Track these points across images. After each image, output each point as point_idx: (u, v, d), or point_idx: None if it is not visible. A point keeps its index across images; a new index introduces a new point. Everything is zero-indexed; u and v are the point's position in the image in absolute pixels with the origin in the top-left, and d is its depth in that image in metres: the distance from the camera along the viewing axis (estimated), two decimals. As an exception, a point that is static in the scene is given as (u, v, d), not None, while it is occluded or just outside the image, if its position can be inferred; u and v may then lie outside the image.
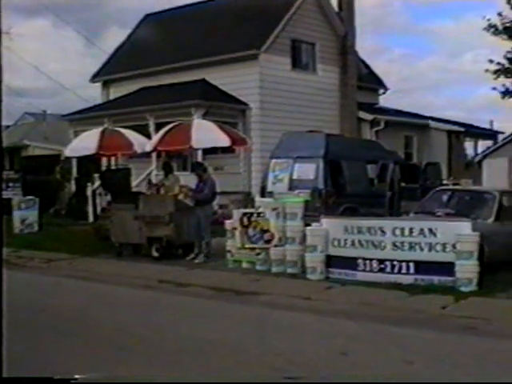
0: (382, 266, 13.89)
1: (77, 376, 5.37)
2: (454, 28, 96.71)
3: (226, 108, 30.02)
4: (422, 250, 13.45)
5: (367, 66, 38.22)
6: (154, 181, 21.77)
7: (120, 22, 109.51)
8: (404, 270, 13.64)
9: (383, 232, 13.96)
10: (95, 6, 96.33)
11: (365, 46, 52.02)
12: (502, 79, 29.53)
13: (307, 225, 15.37)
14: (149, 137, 23.85)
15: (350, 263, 14.32)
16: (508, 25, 28.92)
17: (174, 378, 8.03)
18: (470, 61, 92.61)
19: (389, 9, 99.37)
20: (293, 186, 20.69)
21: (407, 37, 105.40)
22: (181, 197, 18.37)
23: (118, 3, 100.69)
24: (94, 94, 38.90)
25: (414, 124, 35.82)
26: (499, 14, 28.97)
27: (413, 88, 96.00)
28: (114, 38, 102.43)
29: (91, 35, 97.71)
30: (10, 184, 29.18)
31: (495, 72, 29.24)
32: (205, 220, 17.89)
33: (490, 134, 40.45)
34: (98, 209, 24.80)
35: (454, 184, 23.20)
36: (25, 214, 25.54)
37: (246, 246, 16.11)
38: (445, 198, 17.90)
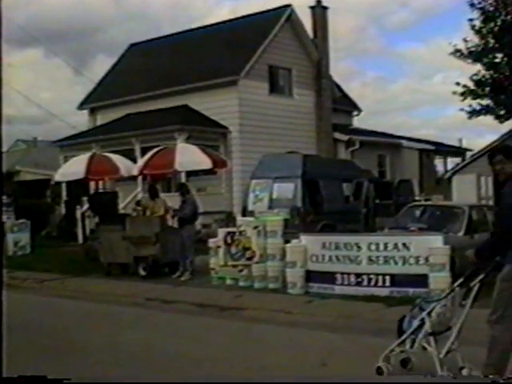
0: (359, 279, 13.90)
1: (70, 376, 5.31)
2: (425, 51, 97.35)
3: (207, 132, 30.01)
4: (396, 263, 13.46)
5: (341, 90, 38.35)
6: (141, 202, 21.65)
7: (108, 51, 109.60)
8: (380, 283, 13.64)
9: (359, 247, 13.97)
10: (84, 36, 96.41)
11: (339, 70, 52.22)
12: (468, 100, 29.68)
13: (287, 242, 15.36)
14: (135, 161, 23.84)
15: (329, 278, 14.30)
16: (472, 49, 29.10)
17: (172, 379, 7.99)
18: (441, 82, 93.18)
19: (363, 34, 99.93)
20: (272, 205, 20.67)
21: (380, 60, 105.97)
22: (169, 220, 18.34)
23: (106, 33, 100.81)
24: (82, 120, 38.87)
25: (387, 144, 35.97)
26: (464, 40, 29.17)
27: (386, 109, 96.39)
28: (102, 66, 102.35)
29: (80, 64, 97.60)
30: (4, 208, 29.00)
31: (462, 94, 29.38)
32: (187, 239, 17.85)
33: (459, 152, 40.65)
34: (87, 230, 24.67)
35: (426, 200, 23.21)
36: (17, 237, 25.44)
37: (229, 263, 16.06)
38: (417, 213, 17.94)
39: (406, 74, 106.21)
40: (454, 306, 7.93)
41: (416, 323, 7.95)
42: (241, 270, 16.03)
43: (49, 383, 5.53)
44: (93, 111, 37.17)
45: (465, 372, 7.74)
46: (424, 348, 7.83)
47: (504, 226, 7.55)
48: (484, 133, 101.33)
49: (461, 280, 8.03)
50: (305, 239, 15.01)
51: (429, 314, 7.91)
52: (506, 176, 7.50)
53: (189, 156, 20.03)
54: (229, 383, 8.03)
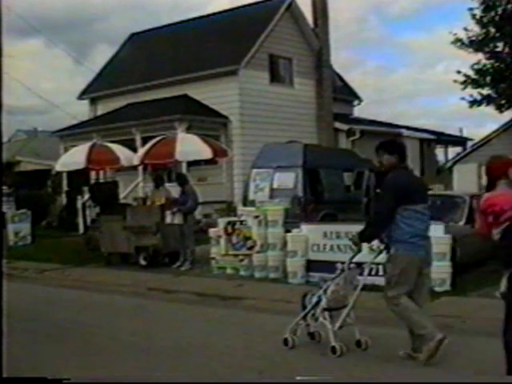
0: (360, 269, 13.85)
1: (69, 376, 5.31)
2: (427, 40, 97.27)
3: (207, 121, 30.00)
4: (397, 252, 13.41)
5: (342, 79, 38.35)
6: (141, 194, 21.63)
7: (108, 40, 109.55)
8: (381, 273, 13.57)
9: (360, 237, 13.93)
10: (85, 26, 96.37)
11: (340, 60, 52.26)
12: (469, 89, 29.66)
13: (288, 231, 15.34)
14: (135, 150, 23.80)
15: (329, 267, 14.20)
16: (473, 38, 29.06)
17: (172, 378, 7.98)
18: (442, 71, 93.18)
19: (364, 24, 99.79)
20: (273, 194, 20.64)
21: (381, 50, 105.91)
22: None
23: (106, 23, 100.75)
24: (83, 110, 38.86)
25: (388, 133, 35.83)
26: (465, 29, 29.14)
27: (387, 98, 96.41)
28: (103, 56, 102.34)
29: (81, 54, 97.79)
30: (4, 198, 29.00)
31: (463, 83, 29.35)
32: (187, 229, 17.82)
33: (460, 141, 40.64)
34: (88, 220, 24.67)
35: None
36: (18, 227, 25.50)
37: (230, 252, 16.04)
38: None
39: (407, 64, 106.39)
40: (347, 284, 9.06)
41: (315, 299, 9.06)
42: (241, 260, 16.02)
43: (49, 383, 5.52)
44: (93, 101, 37.14)
45: (363, 343, 8.89)
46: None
47: (379, 210, 8.73)
48: (485, 122, 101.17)
49: (349, 262, 9.23)
50: (306, 228, 15.00)
51: (325, 291, 9.02)
52: (387, 167, 8.76)
53: (189, 146, 19.99)
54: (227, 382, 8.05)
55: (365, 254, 9.91)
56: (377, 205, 8.60)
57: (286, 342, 9.10)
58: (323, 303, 8.96)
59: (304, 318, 9.13)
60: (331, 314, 8.90)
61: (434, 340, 8.05)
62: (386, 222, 8.37)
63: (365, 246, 9.71)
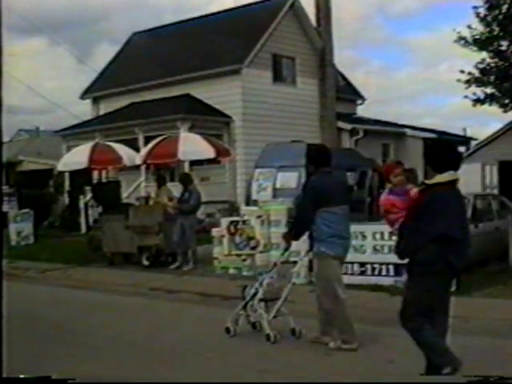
0: (363, 269, 13.89)
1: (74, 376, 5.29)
2: (430, 39, 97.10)
3: (210, 121, 30.01)
4: (400, 252, 13.41)
5: (345, 78, 38.31)
6: (143, 193, 21.61)
7: (111, 39, 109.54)
8: (384, 273, 13.63)
9: (364, 236, 13.96)
10: (87, 25, 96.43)
11: (343, 59, 52.20)
12: (473, 88, 29.58)
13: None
14: (138, 150, 23.79)
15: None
16: (477, 37, 28.98)
17: (173, 378, 7.98)
18: (446, 70, 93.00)
19: (368, 23, 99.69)
20: (276, 194, 20.64)
21: (385, 49, 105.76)
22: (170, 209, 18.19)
23: (109, 22, 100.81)
24: (85, 110, 38.87)
25: (391, 132, 35.88)
26: (469, 27, 29.05)
27: (391, 98, 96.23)
28: (105, 55, 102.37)
29: (83, 53, 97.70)
30: (6, 198, 29.02)
31: (466, 81, 29.28)
32: (189, 229, 17.79)
33: (464, 141, 40.53)
34: (91, 220, 24.67)
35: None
36: (20, 227, 25.47)
37: (233, 252, 16.01)
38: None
39: (411, 63, 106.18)
40: (280, 278, 10.08)
41: (252, 291, 9.90)
42: (244, 260, 15.99)
43: (52, 383, 5.49)
44: (96, 100, 37.14)
45: (297, 332, 9.73)
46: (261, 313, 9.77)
47: (299, 213, 9.82)
48: (489, 121, 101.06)
49: (282, 257, 10.37)
50: (309, 228, 14.97)
51: (260, 283, 9.91)
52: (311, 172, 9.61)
53: (192, 145, 20.00)
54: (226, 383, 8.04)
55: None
56: (298, 207, 9.75)
57: (228, 330, 9.92)
58: (259, 294, 9.81)
59: (244, 308, 9.94)
60: (267, 305, 9.81)
61: (343, 343, 9.12)
62: (307, 223, 9.29)
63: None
